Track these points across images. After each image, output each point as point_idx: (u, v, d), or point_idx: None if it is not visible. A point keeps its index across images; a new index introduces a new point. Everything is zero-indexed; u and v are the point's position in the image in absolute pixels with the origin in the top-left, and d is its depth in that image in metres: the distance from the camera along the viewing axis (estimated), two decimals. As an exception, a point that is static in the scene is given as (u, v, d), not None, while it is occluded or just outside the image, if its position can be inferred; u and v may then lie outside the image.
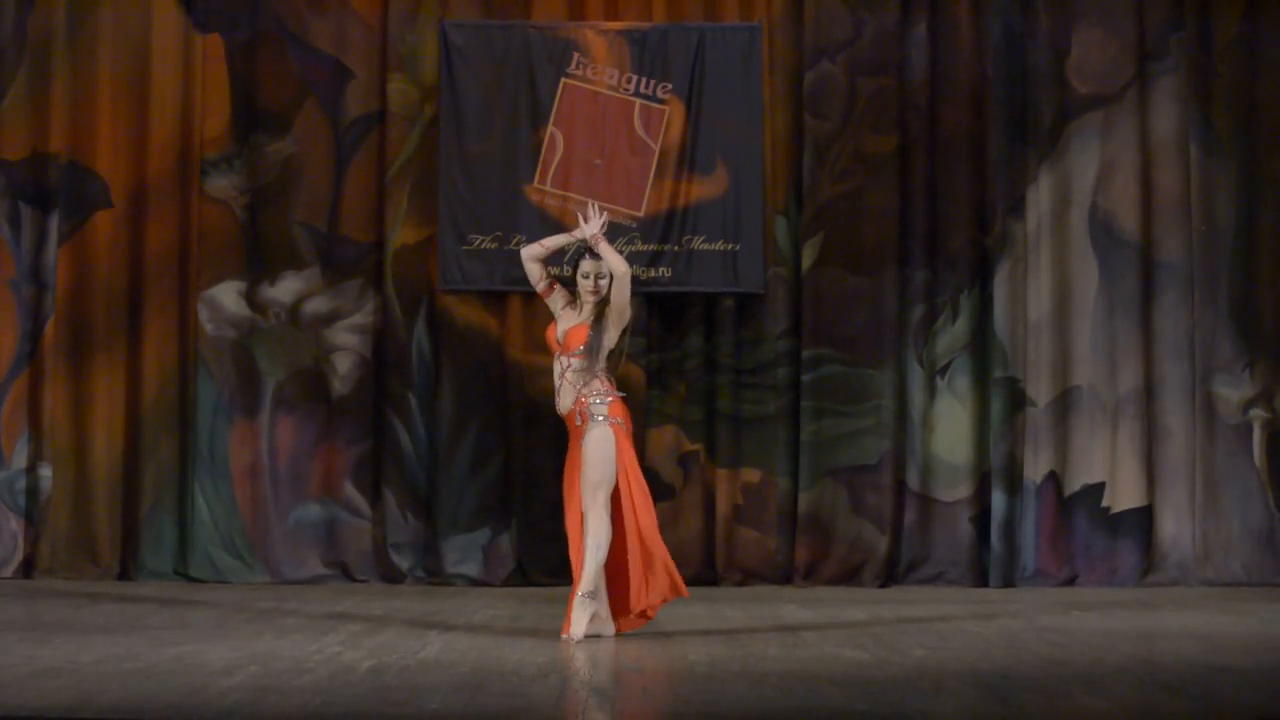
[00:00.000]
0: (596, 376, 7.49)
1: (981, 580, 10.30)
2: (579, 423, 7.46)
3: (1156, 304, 10.48)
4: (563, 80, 10.36)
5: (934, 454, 10.44)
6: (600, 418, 7.43)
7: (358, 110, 10.47)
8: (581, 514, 7.42)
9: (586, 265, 7.57)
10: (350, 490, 10.39)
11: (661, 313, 10.37)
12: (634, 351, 10.10)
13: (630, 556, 7.42)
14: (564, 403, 7.53)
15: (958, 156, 10.51)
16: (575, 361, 7.50)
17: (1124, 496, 10.44)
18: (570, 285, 7.68)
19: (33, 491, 10.34)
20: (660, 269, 10.31)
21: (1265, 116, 10.57)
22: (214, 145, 10.43)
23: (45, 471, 10.35)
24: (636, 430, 10.10)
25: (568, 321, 7.60)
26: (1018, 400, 10.39)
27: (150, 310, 10.39)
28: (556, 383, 7.57)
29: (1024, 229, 10.46)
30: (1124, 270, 10.49)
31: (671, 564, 7.55)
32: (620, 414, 7.49)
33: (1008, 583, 10.25)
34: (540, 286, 7.67)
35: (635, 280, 9.94)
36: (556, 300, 7.66)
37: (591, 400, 7.45)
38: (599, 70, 10.36)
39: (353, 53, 10.50)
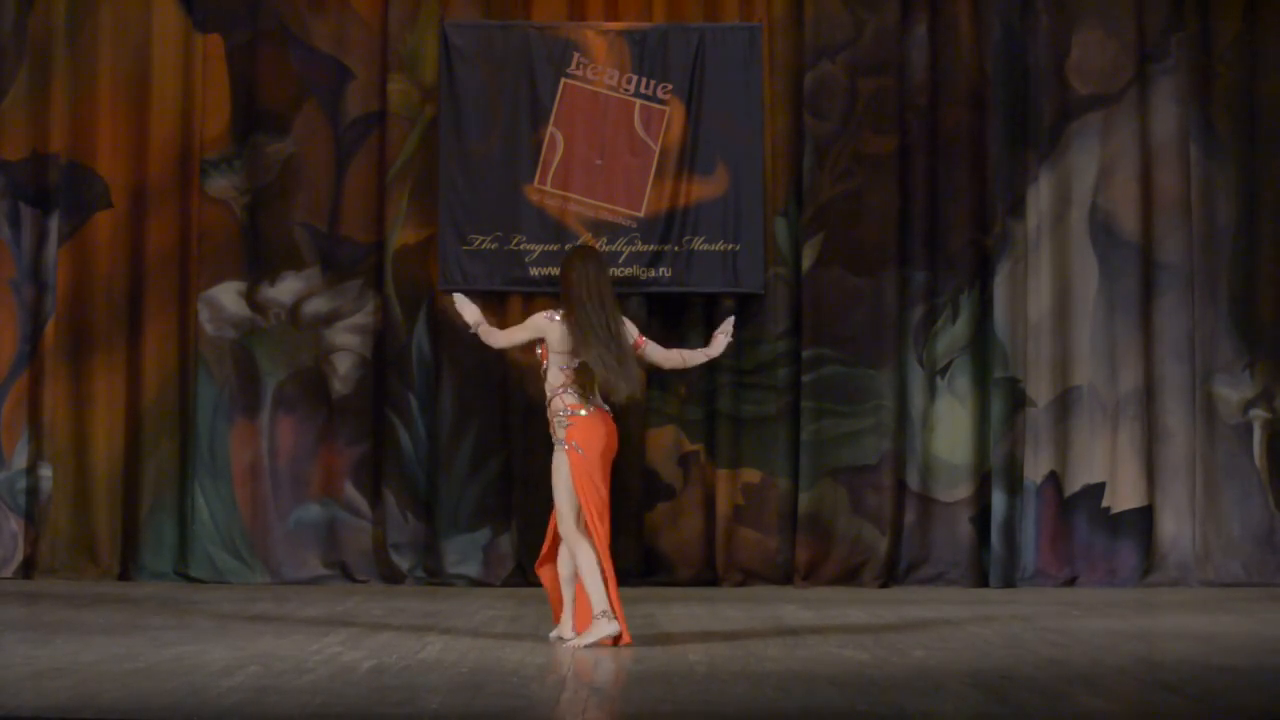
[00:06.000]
0: (558, 392, 7.32)
1: (982, 581, 10.30)
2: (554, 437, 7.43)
3: (1156, 304, 10.48)
4: (563, 80, 10.36)
5: (934, 454, 10.44)
6: (558, 442, 7.35)
7: (358, 110, 10.47)
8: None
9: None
10: (350, 490, 10.39)
11: (661, 313, 10.37)
12: (634, 352, 10.12)
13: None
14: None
15: (958, 156, 10.51)
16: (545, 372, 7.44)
17: (1124, 497, 10.44)
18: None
19: (33, 491, 10.34)
20: (660, 269, 10.31)
21: (1265, 116, 10.57)
22: (214, 145, 10.43)
23: (45, 471, 10.35)
24: (637, 430, 10.17)
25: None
26: (1018, 400, 10.39)
27: (150, 310, 10.39)
28: None
29: (1024, 229, 10.45)
30: (1124, 270, 10.49)
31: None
32: (578, 437, 7.28)
33: (1008, 583, 10.25)
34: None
35: (635, 281, 10.00)
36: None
37: (555, 419, 7.35)
38: (599, 70, 10.36)
39: (353, 53, 10.50)
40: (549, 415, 7.39)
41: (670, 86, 10.36)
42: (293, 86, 10.47)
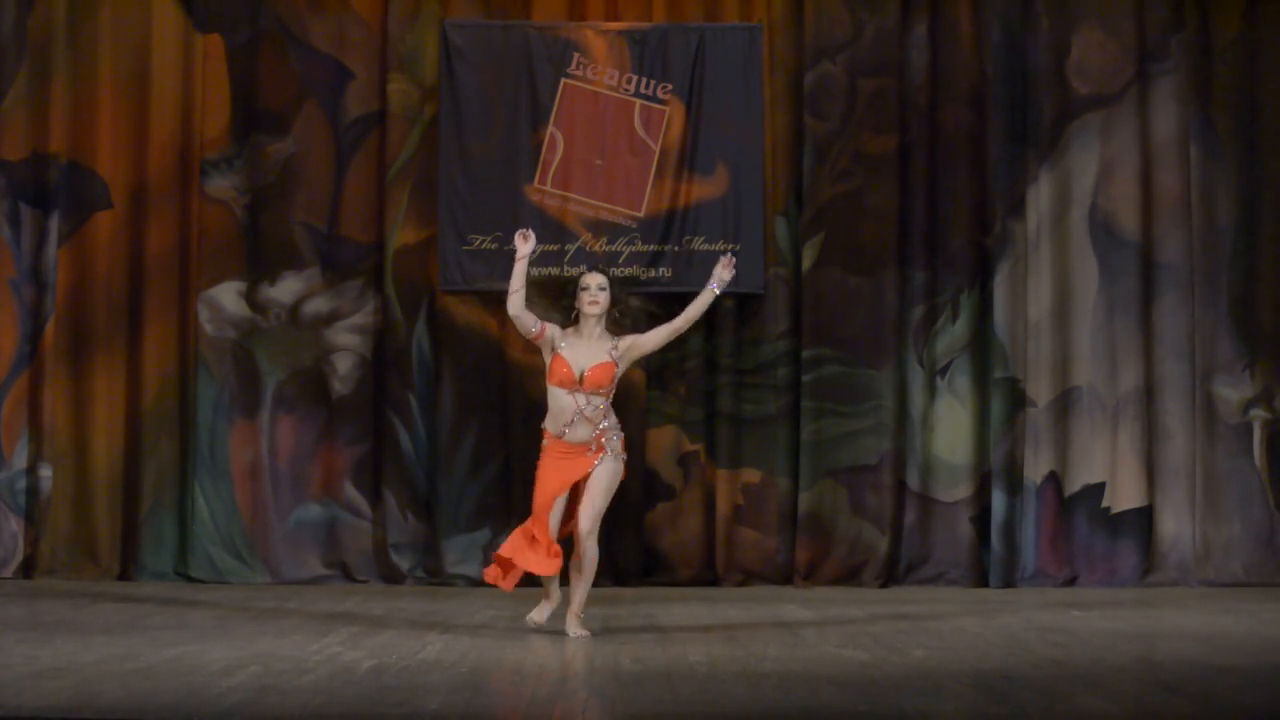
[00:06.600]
0: (610, 410, 7.68)
1: (982, 580, 10.30)
2: (592, 451, 7.59)
3: (1156, 304, 10.48)
4: (563, 80, 10.36)
5: (934, 454, 10.44)
6: (614, 453, 7.63)
7: (358, 110, 10.47)
8: (547, 519, 7.59)
9: (586, 279, 7.66)
10: (350, 490, 10.39)
11: (662, 313, 10.35)
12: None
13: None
14: (578, 434, 7.57)
15: (958, 156, 10.51)
16: (597, 400, 7.55)
17: (1124, 497, 10.44)
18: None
19: (33, 491, 10.34)
20: (660, 269, 10.31)
21: (1265, 116, 10.57)
22: (214, 145, 10.43)
23: (45, 471, 10.35)
24: (637, 431, 10.20)
25: (581, 355, 7.61)
26: (1018, 400, 10.39)
27: (150, 310, 10.39)
28: (568, 416, 7.57)
29: (1024, 229, 10.45)
30: (1124, 270, 10.49)
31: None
32: (624, 448, 7.75)
33: (1008, 583, 10.25)
34: (534, 332, 7.66)
35: (635, 281, 9.98)
36: (554, 336, 7.67)
37: (610, 435, 7.64)
38: (599, 70, 10.36)
39: (353, 53, 10.50)
40: (603, 427, 7.61)
41: (670, 86, 10.36)
42: (293, 86, 10.47)
